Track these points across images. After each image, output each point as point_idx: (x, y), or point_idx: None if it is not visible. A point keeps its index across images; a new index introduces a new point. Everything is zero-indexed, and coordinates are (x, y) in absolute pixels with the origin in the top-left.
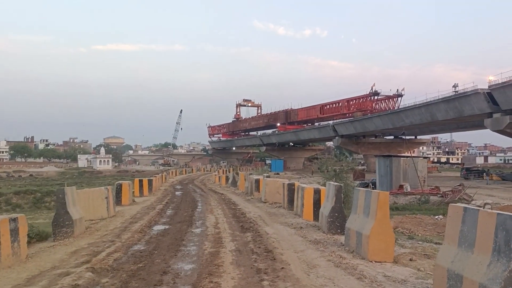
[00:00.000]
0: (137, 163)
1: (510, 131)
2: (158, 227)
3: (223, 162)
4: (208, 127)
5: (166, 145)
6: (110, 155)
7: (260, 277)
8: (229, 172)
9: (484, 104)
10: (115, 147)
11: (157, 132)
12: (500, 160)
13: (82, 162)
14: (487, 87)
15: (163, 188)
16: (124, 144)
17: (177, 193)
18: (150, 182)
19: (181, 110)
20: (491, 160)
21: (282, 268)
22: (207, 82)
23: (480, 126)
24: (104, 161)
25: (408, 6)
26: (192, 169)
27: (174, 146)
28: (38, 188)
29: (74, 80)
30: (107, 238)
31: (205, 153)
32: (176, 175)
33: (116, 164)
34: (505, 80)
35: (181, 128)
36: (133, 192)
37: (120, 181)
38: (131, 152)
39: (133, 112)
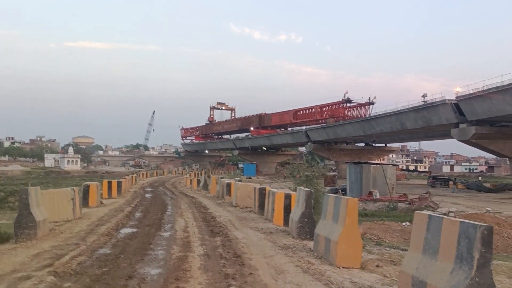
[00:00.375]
0: (107, 164)
1: (475, 141)
2: (126, 230)
3: (196, 165)
4: (181, 129)
5: (137, 146)
6: (79, 155)
7: (228, 282)
8: (201, 175)
9: (451, 114)
10: (84, 147)
11: (129, 133)
12: (465, 169)
13: (49, 161)
14: (454, 98)
15: (133, 190)
16: (93, 144)
17: (147, 195)
18: (119, 183)
19: (154, 111)
20: (457, 169)
21: (251, 273)
22: (181, 84)
23: (447, 135)
24: (73, 161)
25: (382, 17)
26: (164, 172)
27: (146, 148)
28: (2, 187)
29: (43, 77)
30: (71, 241)
31: (177, 156)
32: (147, 177)
33: (85, 164)
34: (471, 92)
35: (153, 130)
36: (101, 193)
37: (87, 182)
38: (101, 152)
39: (104, 111)
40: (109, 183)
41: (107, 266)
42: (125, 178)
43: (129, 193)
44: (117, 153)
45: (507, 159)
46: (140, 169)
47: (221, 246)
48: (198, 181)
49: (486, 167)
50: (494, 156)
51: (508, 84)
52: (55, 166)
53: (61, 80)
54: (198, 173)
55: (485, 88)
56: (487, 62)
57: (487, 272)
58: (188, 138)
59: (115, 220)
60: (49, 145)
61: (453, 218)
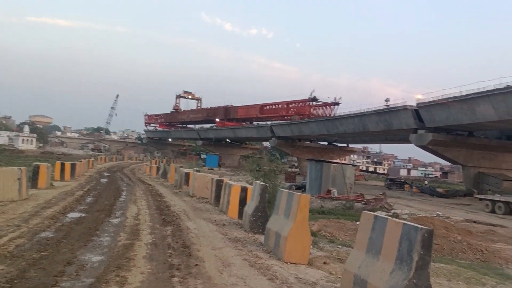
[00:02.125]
0: (65, 145)
1: (432, 147)
2: (73, 215)
3: (158, 153)
4: (145, 115)
5: (98, 129)
6: (35, 135)
7: (171, 273)
8: (162, 163)
9: (411, 120)
10: (41, 126)
11: (90, 115)
12: (421, 173)
13: (2, 139)
14: (415, 105)
15: (88, 174)
16: (52, 124)
17: (102, 180)
18: (73, 166)
19: (118, 95)
20: (413, 173)
21: (196, 265)
22: (147, 70)
23: (406, 140)
24: (28, 140)
25: (349, 19)
26: (124, 157)
27: (107, 132)
28: None
29: (1, 51)
30: (13, 222)
31: (139, 142)
32: (105, 161)
33: (41, 144)
34: (431, 100)
35: (116, 114)
36: (54, 175)
37: (38, 163)
38: (59, 133)
39: (65, 91)
40: (62, 165)
41: (47, 250)
42: (81, 161)
43: (83, 177)
44: (76, 135)
45: (460, 166)
46: (99, 153)
47: (171, 235)
48: (158, 169)
49: (441, 173)
50: (449, 163)
51: (466, 95)
52: (8, 144)
53: (22, 56)
54: (159, 161)
55: (444, 97)
56: (446, 72)
57: (425, 274)
58: (152, 125)
59: (64, 204)
60: (3, 121)
61: (397, 220)
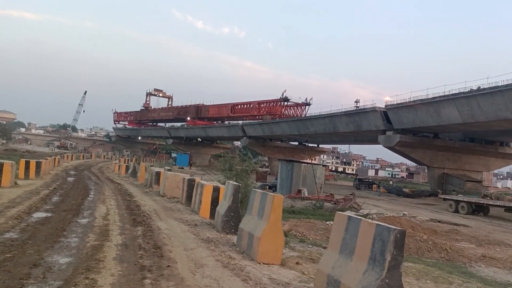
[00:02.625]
0: (29, 142)
1: (399, 148)
2: (39, 215)
3: (127, 151)
4: (114, 112)
5: (64, 126)
6: None
7: (143, 274)
8: (131, 161)
9: (380, 121)
10: (4, 122)
11: (56, 112)
12: (388, 174)
13: None
14: (384, 107)
15: (54, 173)
16: (15, 120)
17: (69, 179)
18: (38, 164)
19: (86, 91)
20: (381, 173)
21: (168, 266)
22: (116, 66)
23: (374, 141)
24: None
25: (322, 20)
26: (91, 155)
27: (74, 129)
28: None
29: None
30: None
31: (107, 140)
32: (72, 159)
33: (4, 141)
34: (399, 102)
35: (84, 111)
36: (17, 174)
37: (1, 160)
38: (23, 130)
39: (30, 86)
40: (27, 163)
41: (11, 252)
42: (47, 159)
43: (49, 175)
44: (41, 132)
45: (425, 167)
46: (65, 151)
47: (141, 236)
48: (127, 168)
49: (407, 173)
50: (415, 164)
51: (432, 98)
52: None
53: None
54: (128, 160)
55: (412, 100)
56: (415, 75)
57: (397, 274)
58: (121, 122)
59: (29, 203)
60: None
61: (370, 220)
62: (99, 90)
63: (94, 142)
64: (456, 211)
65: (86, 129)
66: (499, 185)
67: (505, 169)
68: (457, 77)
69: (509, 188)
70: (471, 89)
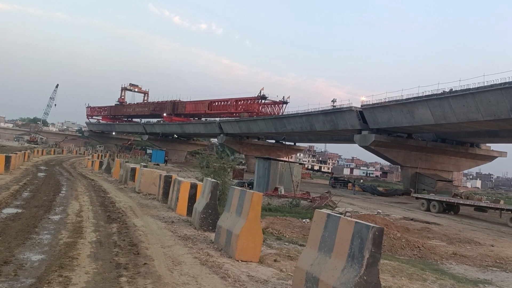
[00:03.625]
0: None
1: (374, 148)
2: (9, 211)
3: (100, 147)
4: (87, 107)
5: (35, 120)
6: None
7: (118, 272)
8: (105, 157)
9: (356, 121)
10: None
11: (26, 105)
12: (363, 173)
13: None
14: (360, 106)
15: (24, 168)
16: None
17: (40, 174)
18: (7, 158)
19: (57, 85)
20: (356, 172)
21: (145, 263)
22: (91, 60)
23: (350, 140)
24: None
25: (299, 19)
26: (63, 150)
27: (45, 123)
28: None
29: None
30: None
31: (80, 135)
32: (43, 154)
33: None
34: (375, 102)
35: (55, 104)
36: None
37: None
38: None
39: None
40: None
41: None
42: (16, 153)
43: (19, 170)
44: (10, 125)
45: (399, 166)
46: (35, 146)
47: (117, 233)
48: (101, 164)
49: (381, 172)
50: (389, 163)
51: (406, 99)
52: None
53: None
54: (102, 155)
55: (387, 100)
56: (390, 75)
57: (375, 271)
58: (94, 117)
59: None
60: None
61: (349, 218)
62: (72, 84)
63: (66, 137)
64: (428, 209)
65: (57, 123)
66: (468, 184)
67: (474, 170)
68: (430, 79)
69: (478, 188)
70: (443, 91)
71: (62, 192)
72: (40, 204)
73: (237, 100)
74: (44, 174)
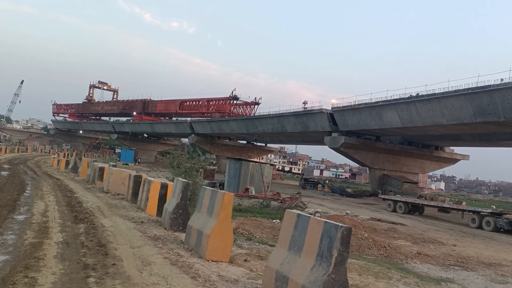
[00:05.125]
0: None
1: (344, 150)
2: None
3: (67, 145)
4: (54, 104)
5: None
6: None
7: (86, 273)
8: (72, 156)
9: (326, 123)
10: None
11: None
12: (333, 174)
13: None
14: (330, 109)
15: None
16: None
17: (3, 173)
18: None
19: (22, 81)
20: (326, 173)
21: (114, 264)
22: (58, 56)
23: (320, 142)
24: None
25: (270, 20)
26: (27, 148)
27: (8, 120)
28: None
29: None
30: None
31: (45, 133)
32: (6, 152)
33: None
34: (345, 105)
35: (20, 101)
36: None
37: None
38: None
39: None
40: None
41: None
42: None
43: None
44: None
45: (367, 168)
46: None
47: (84, 233)
48: (67, 163)
49: (350, 174)
50: (358, 165)
51: (375, 102)
52: None
53: None
54: (68, 154)
55: (357, 103)
56: (359, 79)
57: (343, 270)
58: (60, 115)
59: None
60: None
61: (319, 218)
62: (38, 80)
63: (31, 135)
64: (394, 210)
65: (22, 120)
66: (433, 186)
67: (438, 172)
68: (397, 83)
69: (442, 189)
70: (410, 95)
71: (27, 191)
72: (3, 203)
73: (208, 100)
74: (7, 173)
